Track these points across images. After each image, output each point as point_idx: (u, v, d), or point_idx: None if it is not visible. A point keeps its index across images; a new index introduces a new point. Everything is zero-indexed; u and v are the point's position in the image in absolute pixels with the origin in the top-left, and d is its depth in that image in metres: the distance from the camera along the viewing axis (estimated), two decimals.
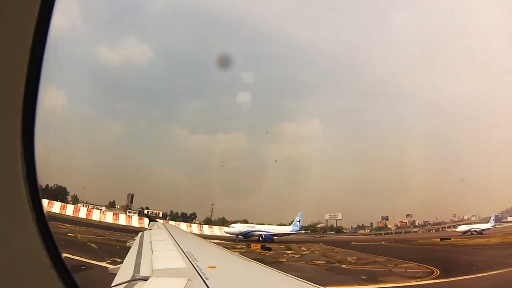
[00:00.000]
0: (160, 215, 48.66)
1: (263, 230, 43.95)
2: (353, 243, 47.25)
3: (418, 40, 61.80)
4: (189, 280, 3.67)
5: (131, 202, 49.62)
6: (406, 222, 56.77)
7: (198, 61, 65.59)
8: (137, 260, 5.31)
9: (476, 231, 51.32)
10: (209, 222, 50.64)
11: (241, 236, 42.56)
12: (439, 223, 55.20)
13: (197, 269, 4.37)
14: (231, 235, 41.89)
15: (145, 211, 48.83)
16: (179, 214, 51.64)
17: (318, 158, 60.79)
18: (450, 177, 55.32)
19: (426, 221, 56.05)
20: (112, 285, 3.69)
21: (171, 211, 51.17)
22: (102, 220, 43.76)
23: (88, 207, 45.54)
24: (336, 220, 56.04)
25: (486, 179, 51.35)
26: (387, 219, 56.59)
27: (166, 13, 66.11)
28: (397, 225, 57.36)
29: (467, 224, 54.03)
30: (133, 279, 3.82)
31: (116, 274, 4.48)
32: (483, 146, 53.59)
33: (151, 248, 6.73)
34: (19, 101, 1.72)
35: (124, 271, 4.64)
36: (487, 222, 53.74)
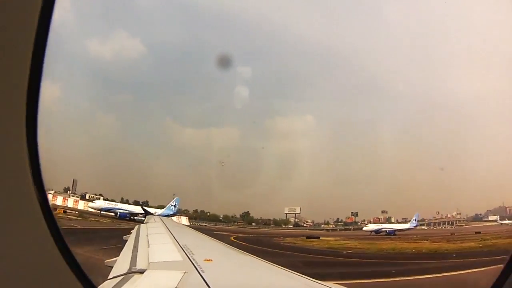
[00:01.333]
0: (101, 199, 50.08)
1: (123, 208, 46.77)
2: None
3: (416, 38, 61.36)
4: (185, 273, 3.71)
5: (74, 187, 51.15)
6: (379, 219, 56.38)
7: (190, 55, 64.97)
8: (134, 253, 5.34)
9: (386, 231, 47.24)
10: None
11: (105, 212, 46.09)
12: (419, 221, 54.69)
13: (193, 262, 4.41)
14: (95, 210, 45.30)
15: (87, 196, 50.59)
16: (131, 201, 51.90)
17: (303, 154, 60.35)
18: (439, 176, 54.78)
19: (404, 218, 54.58)
20: (109, 277, 3.71)
21: (122, 198, 51.40)
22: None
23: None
24: (295, 214, 55.61)
25: (477, 177, 50.53)
26: (357, 215, 55.20)
27: (158, 6, 65.21)
28: (370, 221, 56.79)
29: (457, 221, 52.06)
30: (130, 272, 3.85)
31: (112, 267, 4.51)
32: (478, 145, 53.02)
33: (148, 241, 6.77)
34: (23, 99, 1.73)
35: (120, 264, 4.66)
36: (468, 220, 51.17)
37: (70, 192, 51.04)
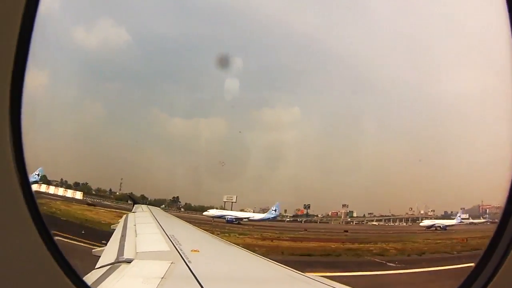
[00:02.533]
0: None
1: None
2: None
3: (407, 33, 61.18)
4: (172, 263, 3.78)
5: None
6: (337, 213, 56.28)
7: (180, 46, 63.66)
8: (121, 243, 5.37)
9: (226, 219, 44.51)
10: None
11: None
12: (386, 216, 53.11)
13: (180, 252, 4.48)
14: None
15: None
16: (70, 183, 50.82)
17: (283, 145, 60.05)
18: (422, 173, 54.82)
19: (370, 213, 53.77)
20: (96, 267, 3.75)
21: (61, 179, 48.79)
22: None
23: None
24: (232, 202, 55.17)
25: (460, 175, 50.47)
26: (309, 207, 54.98)
27: None
28: (328, 214, 54.95)
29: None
30: (117, 261, 3.89)
31: (100, 256, 4.54)
32: (462, 143, 53.11)
33: (135, 231, 6.80)
34: (6, 94, 1.73)
35: (108, 253, 4.70)
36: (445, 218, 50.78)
37: None
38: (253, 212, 53.25)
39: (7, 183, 1.67)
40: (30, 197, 1.75)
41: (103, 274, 3.26)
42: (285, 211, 55.13)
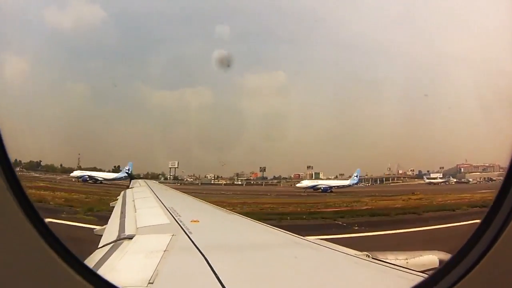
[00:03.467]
0: None
1: None
2: None
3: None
4: (173, 235, 3.83)
5: None
6: (299, 175, 54.30)
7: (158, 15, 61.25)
8: (121, 220, 5.43)
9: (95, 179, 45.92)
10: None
11: None
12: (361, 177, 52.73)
13: (181, 224, 4.54)
14: None
15: None
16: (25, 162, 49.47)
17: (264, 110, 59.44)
18: (407, 131, 54.56)
19: (341, 174, 52.41)
20: (99, 246, 3.80)
21: (15, 159, 50.16)
22: None
23: None
24: (175, 168, 55.05)
25: (441, 136, 49.71)
26: (265, 170, 54.30)
27: None
28: (290, 176, 55.01)
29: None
30: (119, 239, 3.93)
31: (101, 235, 4.59)
32: (452, 103, 52.48)
33: (134, 206, 6.87)
34: None
35: (109, 232, 4.75)
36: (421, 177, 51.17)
37: None
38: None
39: None
40: (15, 184, 1.68)
41: (106, 253, 3.29)
42: (237, 174, 55.81)
